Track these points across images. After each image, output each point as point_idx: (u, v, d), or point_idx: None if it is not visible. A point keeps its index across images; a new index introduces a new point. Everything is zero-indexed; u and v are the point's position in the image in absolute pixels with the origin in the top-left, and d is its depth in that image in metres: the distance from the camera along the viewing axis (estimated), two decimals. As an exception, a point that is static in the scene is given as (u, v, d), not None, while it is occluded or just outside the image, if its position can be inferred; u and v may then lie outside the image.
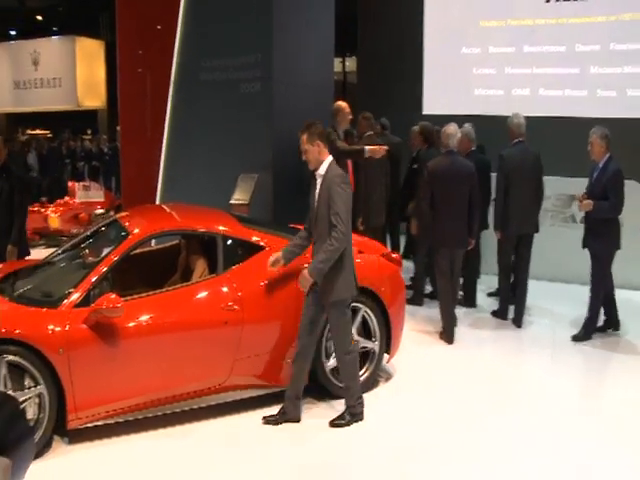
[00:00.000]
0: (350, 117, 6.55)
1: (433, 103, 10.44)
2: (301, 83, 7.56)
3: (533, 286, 6.74)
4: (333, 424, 4.18)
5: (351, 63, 18.18)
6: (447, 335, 5.85)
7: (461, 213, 5.74)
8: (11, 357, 3.66)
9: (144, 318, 3.98)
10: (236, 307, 4.17)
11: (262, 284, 4.31)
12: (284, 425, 4.20)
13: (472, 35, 10.18)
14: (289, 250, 4.28)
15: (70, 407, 3.80)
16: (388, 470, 3.69)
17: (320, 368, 4.45)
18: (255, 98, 7.30)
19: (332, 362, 4.50)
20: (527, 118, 6.39)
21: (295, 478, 3.64)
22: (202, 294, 4.21)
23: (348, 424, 4.19)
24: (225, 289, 4.22)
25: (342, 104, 6.52)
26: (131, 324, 3.92)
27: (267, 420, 4.22)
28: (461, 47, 10.31)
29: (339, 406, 4.42)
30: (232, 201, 6.71)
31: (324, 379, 4.50)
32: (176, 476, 3.64)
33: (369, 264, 4.74)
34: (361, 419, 4.25)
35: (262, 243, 4.53)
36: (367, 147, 6.11)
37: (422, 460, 3.80)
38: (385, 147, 6.16)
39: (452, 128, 5.83)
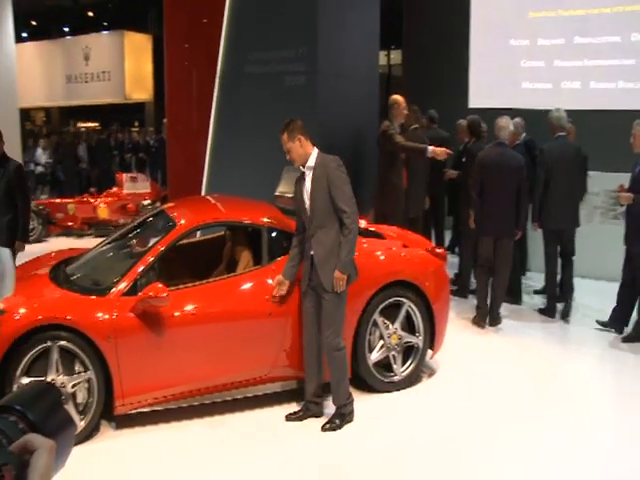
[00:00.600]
0: (405, 111, 6.49)
1: (479, 96, 10.26)
2: (346, 76, 7.53)
3: (582, 284, 6.58)
4: (324, 429, 4.01)
5: (396, 56, 18.03)
6: (478, 318, 6.06)
7: (508, 204, 5.82)
8: (63, 342, 3.76)
9: (189, 308, 4.02)
10: (280, 301, 4.18)
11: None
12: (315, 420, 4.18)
13: (520, 27, 9.95)
14: (289, 267, 4.14)
15: (117, 393, 3.88)
16: (428, 464, 3.66)
17: (363, 362, 4.44)
18: (300, 91, 7.30)
19: (375, 356, 4.48)
20: (577, 112, 6.27)
21: (355, 472, 3.65)
22: (247, 285, 4.23)
23: (340, 427, 4.03)
24: (270, 281, 4.23)
25: (398, 98, 6.42)
26: (177, 313, 3.97)
27: (291, 417, 4.19)
28: (509, 39, 10.09)
29: (377, 400, 4.40)
30: (277, 193, 6.72)
31: (366, 373, 4.48)
32: (206, 468, 3.69)
33: (413, 258, 4.69)
34: (351, 420, 4.09)
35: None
36: (430, 147, 6.01)
37: (461, 456, 3.76)
38: (449, 151, 6.07)
39: (504, 121, 5.94)
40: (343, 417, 4.07)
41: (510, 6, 10.05)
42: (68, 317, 3.78)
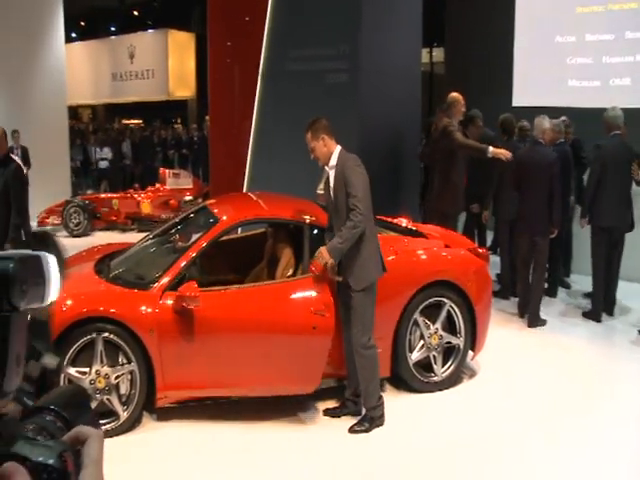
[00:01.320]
0: (464, 109, 6.43)
1: (523, 94, 10.05)
2: (388, 74, 7.47)
3: (628, 288, 6.41)
4: (352, 430, 3.96)
5: (438, 54, 17.84)
6: (520, 315, 6.11)
7: (541, 202, 5.83)
8: (107, 335, 3.83)
9: (230, 312, 3.96)
10: (326, 314, 3.94)
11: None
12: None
13: (567, 22, 9.71)
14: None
15: (159, 386, 3.93)
16: (461, 465, 3.60)
17: (403, 361, 4.40)
18: (341, 89, 7.27)
19: (415, 356, 4.45)
20: (627, 110, 6.10)
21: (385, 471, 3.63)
22: (291, 294, 4.05)
23: (367, 431, 3.95)
24: (314, 292, 4.03)
25: (457, 96, 6.32)
26: (215, 316, 3.93)
27: (328, 412, 4.18)
28: (555, 35, 9.86)
29: (415, 400, 4.36)
30: (318, 191, 6.69)
31: (407, 373, 4.44)
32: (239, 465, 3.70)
33: (455, 258, 4.64)
34: (381, 424, 4.00)
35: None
36: (491, 148, 5.91)
37: (501, 457, 3.69)
38: (509, 154, 5.98)
39: (538, 119, 6.01)
40: (372, 421, 4.00)
41: (556, 2, 9.82)
42: (112, 310, 3.85)
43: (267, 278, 4.63)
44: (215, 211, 4.58)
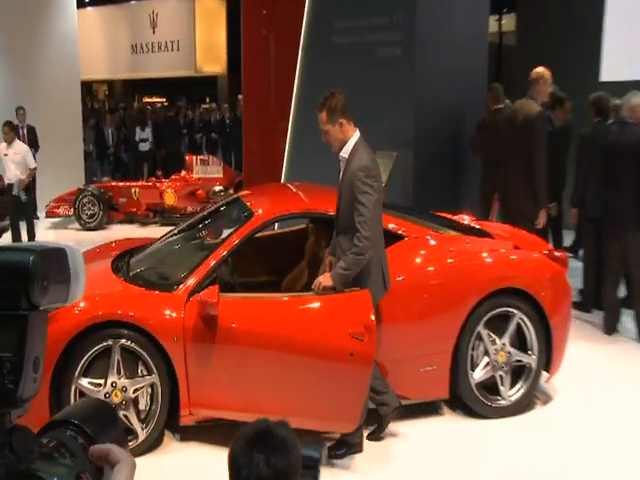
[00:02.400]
0: (551, 89, 6.26)
1: (615, 68, 9.78)
2: (449, 47, 7.41)
3: None
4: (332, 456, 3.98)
5: (508, 22, 17.60)
6: (605, 329, 6.02)
7: (628, 190, 5.71)
8: (125, 342, 3.90)
9: (259, 324, 3.95)
10: (366, 339, 3.80)
11: (401, 280, 4.26)
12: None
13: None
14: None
15: (183, 401, 3.97)
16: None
17: (464, 381, 4.37)
18: (394, 64, 7.25)
19: (479, 375, 4.41)
20: None
21: None
22: (329, 311, 3.97)
23: (343, 457, 3.96)
24: (353, 311, 3.89)
25: (544, 71, 6.03)
26: (243, 327, 3.92)
27: (371, 436, 4.18)
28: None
29: (476, 426, 4.32)
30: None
31: (467, 394, 4.40)
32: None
33: (527, 262, 4.58)
34: (359, 451, 4.01)
35: (401, 231, 4.50)
36: (543, 211, 5.91)
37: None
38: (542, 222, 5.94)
39: (630, 96, 5.90)
40: (350, 447, 3.99)
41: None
42: (131, 313, 3.91)
43: (307, 281, 4.65)
44: (249, 203, 4.62)
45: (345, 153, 3.97)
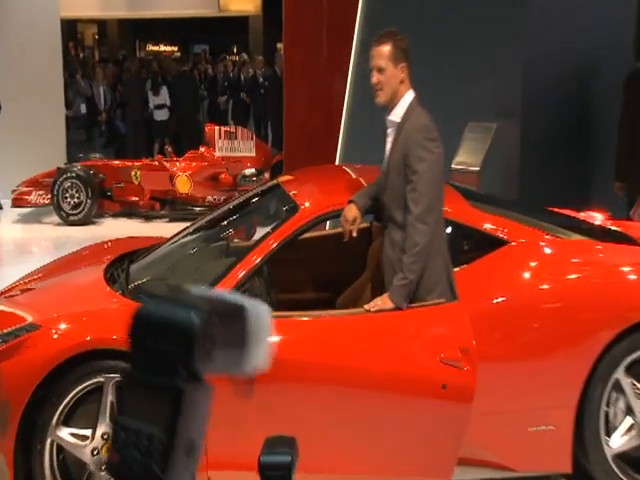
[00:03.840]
0: None
1: None
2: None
3: None
4: None
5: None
6: None
7: None
8: (121, 378, 3.92)
9: (308, 353, 4.00)
10: (464, 366, 3.91)
11: (501, 302, 4.24)
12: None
13: None
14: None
15: (200, 462, 3.98)
16: None
17: (596, 450, 4.27)
18: (499, 11, 7.21)
19: (618, 442, 4.30)
20: None
21: None
22: (408, 331, 4.08)
23: None
24: (444, 329, 4.04)
25: None
26: (286, 358, 3.90)
27: None
28: None
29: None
30: (454, 165, 6.70)
31: (601, 470, 4.29)
32: None
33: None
34: None
35: (501, 234, 4.47)
36: None
37: None
38: None
39: None
40: None
41: None
42: (131, 341, 3.95)
43: (371, 298, 4.63)
44: (292, 193, 4.64)
45: (396, 116, 4.13)
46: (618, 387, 4.30)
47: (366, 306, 4.08)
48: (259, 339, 1.02)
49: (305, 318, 4.19)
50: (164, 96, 15.06)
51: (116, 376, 3.93)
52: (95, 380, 3.92)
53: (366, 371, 3.96)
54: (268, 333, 1.03)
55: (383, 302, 4.01)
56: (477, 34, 7.30)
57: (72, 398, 3.92)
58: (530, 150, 7.09)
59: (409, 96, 4.15)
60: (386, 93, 4.13)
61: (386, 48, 4.11)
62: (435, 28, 7.57)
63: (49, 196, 10.69)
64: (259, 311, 1.03)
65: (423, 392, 3.89)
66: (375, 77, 4.14)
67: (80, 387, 3.92)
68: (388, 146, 4.18)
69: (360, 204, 4.29)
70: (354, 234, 4.28)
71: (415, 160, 3.95)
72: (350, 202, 4.30)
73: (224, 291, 0.95)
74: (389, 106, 4.17)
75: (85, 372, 3.92)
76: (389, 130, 4.18)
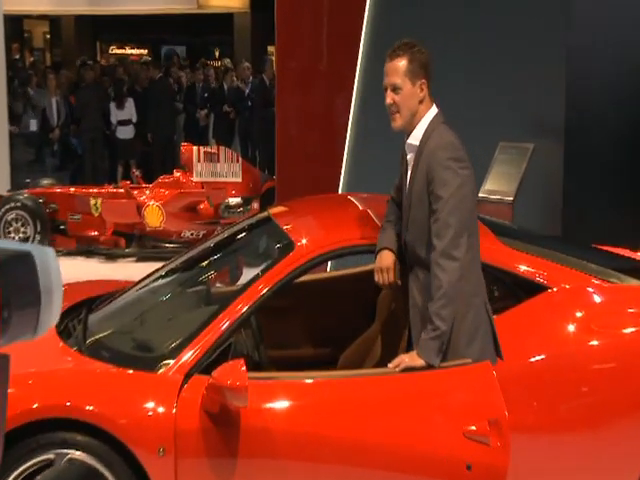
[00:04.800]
0: None
1: None
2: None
3: None
4: None
5: None
6: None
7: None
8: (77, 453, 3.93)
9: (305, 423, 3.99)
10: (492, 442, 3.88)
11: (540, 361, 4.25)
12: None
13: None
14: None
15: None
16: None
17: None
18: (537, 14, 7.30)
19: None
20: None
21: None
22: (427, 397, 4.09)
23: None
24: (469, 397, 4.04)
25: None
26: (280, 428, 3.97)
27: None
28: None
29: None
30: (482, 194, 6.71)
31: None
32: None
33: None
34: None
35: (540, 278, 4.49)
36: None
37: None
38: None
39: None
40: None
41: None
42: (89, 407, 3.96)
43: (381, 356, 4.67)
44: (286, 228, 4.68)
45: (415, 139, 4.16)
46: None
47: (390, 364, 4.06)
48: (52, 290, 1.02)
49: (303, 380, 4.19)
50: (130, 110, 15.12)
51: (70, 451, 3.93)
52: (45, 457, 3.92)
53: (375, 447, 3.95)
54: (60, 280, 1.03)
55: (411, 359, 3.98)
56: (509, 39, 7.34)
57: (17, 478, 3.90)
58: (574, 176, 7.09)
59: (431, 113, 4.18)
60: (403, 116, 4.16)
61: (402, 63, 4.13)
62: (459, 32, 7.62)
63: (-11, 230, 10.69)
64: (46, 254, 1.03)
65: (443, 474, 3.88)
66: (390, 97, 4.16)
67: (25, 466, 3.90)
68: (408, 175, 4.20)
69: (395, 250, 4.29)
70: (392, 286, 4.30)
71: (439, 184, 3.97)
72: (384, 249, 4.28)
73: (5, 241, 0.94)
74: (407, 129, 4.20)
75: (32, 447, 3.91)
76: (409, 156, 4.22)
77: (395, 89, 4.13)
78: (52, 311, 1.05)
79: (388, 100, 4.16)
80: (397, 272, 4.27)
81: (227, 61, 20.41)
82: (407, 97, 4.13)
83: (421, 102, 4.15)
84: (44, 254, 1.05)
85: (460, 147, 4.10)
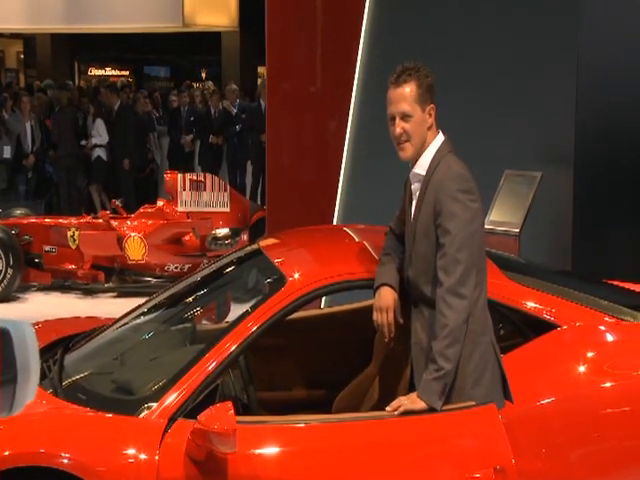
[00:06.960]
0: None
1: None
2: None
3: None
4: None
5: None
6: None
7: None
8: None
9: (312, 472, 4.00)
10: None
11: (549, 404, 4.25)
12: None
13: None
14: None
15: None
16: None
17: None
18: (549, 23, 7.34)
19: None
20: None
21: None
22: (429, 441, 4.10)
23: None
24: (474, 441, 4.07)
25: None
26: (272, 476, 3.97)
27: None
28: None
29: None
30: (487, 225, 6.71)
31: None
32: None
33: None
34: None
35: (548, 315, 4.51)
36: None
37: None
38: None
39: None
40: None
41: None
42: (65, 455, 3.94)
43: (379, 399, 4.67)
44: (278, 261, 4.69)
45: (421, 168, 4.16)
46: None
47: (388, 407, 4.05)
48: (29, 367, 1.04)
49: (295, 424, 4.19)
50: (101, 130, 15.37)
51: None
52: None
53: None
54: (37, 357, 1.06)
55: (411, 401, 3.98)
56: (515, 62, 7.37)
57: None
58: (585, 206, 7.11)
59: (438, 141, 4.19)
60: (415, 145, 4.15)
61: (409, 89, 4.12)
62: (462, 52, 7.66)
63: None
64: (23, 331, 1.06)
65: None
66: (399, 127, 4.13)
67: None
68: (413, 206, 4.20)
69: (395, 286, 4.29)
70: (392, 329, 4.27)
71: (447, 217, 3.97)
72: (383, 285, 4.29)
73: None
74: (414, 157, 4.19)
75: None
76: (414, 186, 4.22)
77: (405, 117, 4.11)
78: (29, 388, 1.07)
79: (398, 130, 4.13)
80: (398, 311, 4.26)
81: (209, 84, 20.45)
82: (418, 124, 4.14)
83: (429, 128, 4.16)
84: (21, 331, 1.08)
85: (470, 179, 4.09)
